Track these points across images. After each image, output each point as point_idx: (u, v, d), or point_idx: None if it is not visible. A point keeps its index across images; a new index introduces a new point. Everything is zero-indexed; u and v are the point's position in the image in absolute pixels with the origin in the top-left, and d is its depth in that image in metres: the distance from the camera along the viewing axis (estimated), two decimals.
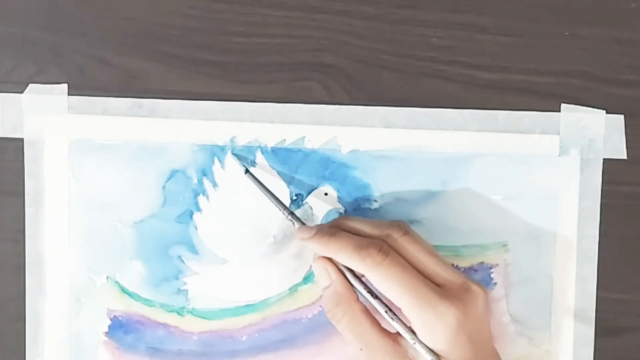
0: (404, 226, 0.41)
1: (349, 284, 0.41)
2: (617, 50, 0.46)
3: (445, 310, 0.38)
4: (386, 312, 0.40)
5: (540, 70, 0.46)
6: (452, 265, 0.44)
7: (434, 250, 0.41)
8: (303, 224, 0.43)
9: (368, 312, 0.41)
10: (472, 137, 0.46)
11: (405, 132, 0.46)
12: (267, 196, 0.44)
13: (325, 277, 0.41)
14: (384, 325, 0.41)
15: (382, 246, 0.40)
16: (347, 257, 0.40)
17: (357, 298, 0.41)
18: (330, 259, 0.41)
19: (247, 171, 0.45)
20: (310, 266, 0.46)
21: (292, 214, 0.43)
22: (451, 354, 0.39)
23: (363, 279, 0.41)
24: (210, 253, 0.46)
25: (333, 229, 0.42)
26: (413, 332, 0.39)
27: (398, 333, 0.40)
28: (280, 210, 0.43)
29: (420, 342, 0.39)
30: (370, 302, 0.40)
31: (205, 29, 0.46)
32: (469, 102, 0.46)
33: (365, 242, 0.40)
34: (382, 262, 0.39)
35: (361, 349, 0.40)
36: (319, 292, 0.46)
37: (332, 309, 0.41)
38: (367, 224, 0.42)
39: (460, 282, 0.40)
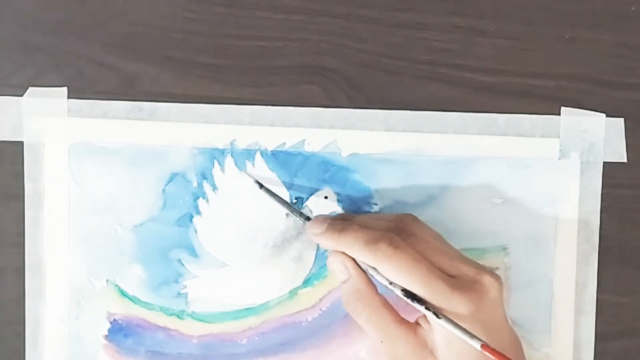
0: (414, 218, 0.41)
1: (367, 277, 0.41)
2: (617, 53, 0.46)
3: (458, 302, 0.38)
4: (424, 305, 0.39)
5: (540, 74, 0.46)
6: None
7: (445, 241, 0.41)
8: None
9: (388, 304, 0.41)
10: (472, 140, 0.46)
11: (405, 135, 0.46)
12: (285, 207, 0.44)
13: (343, 271, 0.41)
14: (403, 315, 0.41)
15: (392, 239, 0.40)
16: (359, 250, 0.40)
17: (377, 291, 0.41)
18: (344, 254, 0.41)
19: (261, 186, 0.45)
20: (310, 270, 0.46)
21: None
22: (465, 343, 0.38)
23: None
24: (210, 256, 0.46)
25: (344, 222, 0.42)
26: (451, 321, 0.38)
27: (417, 324, 0.40)
28: (301, 221, 0.43)
29: (462, 328, 0.38)
30: (396, 294, 0.40)
31: (205, 32, 0.46)
32: (469, 105, 0.46)
33: (375, 235, 0.40)
34: (393, 255, 0.39)
35: (382, 342, 0.40)
36: (319, 295, 0.46)
37: (352, 303, 0.41)
38: (377, 217, 0.42)
39: (473, 272, 0.40)
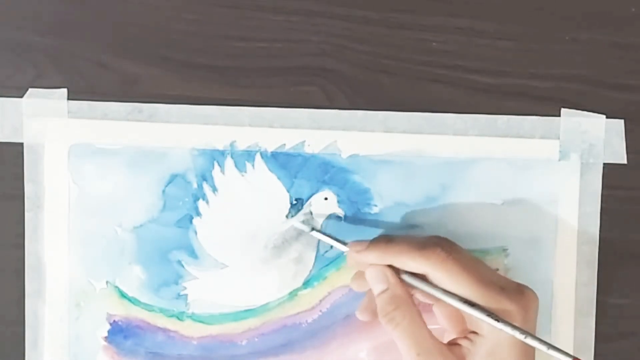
0: (449, 239, 0.41)
1: (406, 288, 0.41)
2: (617, 54, 0.46)
3: (511, 309, 0.38)
4: (482, 312, 0.39)
5: (540, 75, 0.46)
6: None
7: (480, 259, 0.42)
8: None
9: (423, 319, 0.40)
10: (472, 141, 0.45)
11: (405, 136, 0.45)
12: (336, 246, 0.44)
13: (382, 281, 0.41)
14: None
15: (444, 244, 0.40)
16: (409, 257, 0.40)
17: (414, 302, 0.41)
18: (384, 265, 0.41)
19: (312, 229, 0.45)
20: (310, 271, 0.46)
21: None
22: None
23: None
24: (210, 258, 0.46)
25: (386, 236, 0.42)
26: (497, 319, 0.38)
27: (454, 344, 0.40)
28: (344, 250, 0.43)
29: (553, 346, 0.38)
30: (447, 301, 0.40)
31: (205, 34, 0.46)
32: (469, 106, 0.46)
33: (425, 241, 0.40)
34: (447, 259, 0.39)
35: (418, 354, 0.39)
36: (319, 296, 0.46)
37: (390, 312, 0.40)
38: (411, 236, 0.42)
39: (515, 285, 0.40)
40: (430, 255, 0.39)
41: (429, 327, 0.40)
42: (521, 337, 0.38)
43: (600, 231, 0.46)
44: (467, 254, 0.41)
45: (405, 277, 0.41)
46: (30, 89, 0.46)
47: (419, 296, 0.43)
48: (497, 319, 0.38)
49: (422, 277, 0.40)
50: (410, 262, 0.40)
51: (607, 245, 0.46)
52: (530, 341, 0.38)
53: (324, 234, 0.44)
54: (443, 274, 0.39)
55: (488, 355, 0.39)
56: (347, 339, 0.46)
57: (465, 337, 0.40)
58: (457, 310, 0.40)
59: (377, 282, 0.41)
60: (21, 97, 0.45)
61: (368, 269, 0.41)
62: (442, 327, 0.43)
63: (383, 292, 0.41)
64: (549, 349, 0.38)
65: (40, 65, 0.46)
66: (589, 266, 0.46)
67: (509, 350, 0.39)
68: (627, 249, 0.46)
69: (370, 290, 0.43)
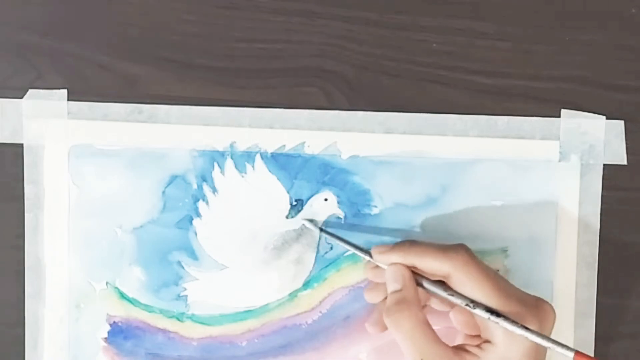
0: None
1: (417, 294, 0.41)
2: (617, 55, 0.46)
3: (530, 319, 0.39)
4: (489, 313, 0.39)
5: (540, 76, 0.46)
6: None
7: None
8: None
9: (429, 323, 0.40)
10: (472, 142, 0.45)
11: (405, 137, 0.45)
12: (346, 246, 0.44)
13: (398, 280, 0.41)
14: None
15: (466, 249, 0.40)
16: (433, 257, 0.40)
17: (421, 307, 0.41)
18: (405, 266, 0.41)
19: (321, 230, 0.45)
20: (310, 272, 0.46)
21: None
22: None
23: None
24: (210, 259, 0.46)
25: (410, 240, 0.43)
26: (523, 327, 0.38)
27: (462, 349, 0.40)
28: (366, 258, 0.43)
29: (553, 340, 0.38)
30: (462, 305, 0.40)
31: (205, 35, 0.46)
32: (469, 107, 0.46)
33: (449, 245, 0.41)
34: (471, 262, 0.40)
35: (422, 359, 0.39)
36: (319, 297, 0.46)
37: (395, 314, 0.40)
38: (435, 242, 0.42)
39: (534, 298, 0.40)
40: (454, 257, 0.40)
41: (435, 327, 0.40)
42: (548, 345, 0.38)
43: (600, 232, 0.45)
44: (487, 265, 0.41)
45: (426, 284, 0.41)
46: (30, 90, 0.46)
47: (435, 305, 0.43)
48: (524, 326, 0.38)
49: (443, 285, 0.41)
50: (434, 262, 0.40)
51: (607, 246, 0.46)
52: (560, 349, 0.38)
53: (343, 239, 0.44)
54: (465, 277, 0.39)
55: None
56: (347, 340, 0.46)
57: (477, 345, 0.40)
58: (473, 319, 0.40)
59: (393, 281, 0.41)
60: (21, 98, 0.45)
61: (389, 267, 0.42)
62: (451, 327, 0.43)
63: (395, 291, 0.41)
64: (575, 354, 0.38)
65: (40, 66, 0.46)
66: (589, 267, 0.46)
67: None
68: (627, 250, 0.46)
69: (381, 302, 0.43)
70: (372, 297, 0.44)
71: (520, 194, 0.46)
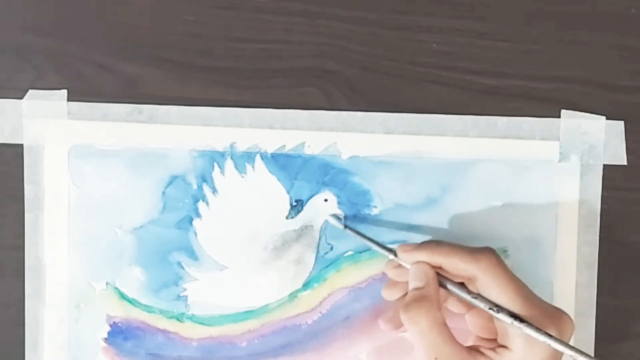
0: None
1: (438, 293, 0.41)
2: (618, 56, 0.46)
3: (550, 328, 0.38)
4: (512, 318, 0.39)
5: (540, 76, 0.46)
6: None
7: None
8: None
9: (446, 324, 0.40)
10: (472, 142, 0.46)
11: (405, 137, 0.46)
12: (370, 244, 0.44)
13: (422, 278, 0.41)
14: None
15: (493, 252, 0.40)
16: (460, 258, 0.40)
17: (441, 308, 0.41)
18: (429, 265, 0.41)
19: (346, 227, 0.45)
20: (310, 272, 0.46)
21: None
22: None
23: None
24: (210, 259, 0.46)
25: (436, 240, 0.43)
26: (547, 334, 0.38)
27: (477, 351, 0.40)
28: (390, 256, 0.43)
29: (580, 352, 0.38)
30: (481, 307, 0.40)
31: (205, 35, 0.46)
32: (469, 107, 0.46)
33: (476, 247, 0.41)
34: (498, 264, 0.40)
35: (436, 359, 0.39)
36: (319, 298, 0.46)
37: (413, 310, 0.40)
38: (460, 245, 0.42)
39: (554, 308, 0.40)
40: (481, 259, 0.40)
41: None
42: (570, 353, 0.38)
43: (600, 232, 0.45)
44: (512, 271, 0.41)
45: (449, 285, 0.41)
46: (30, 90, 0.46)
47: (451, 307, 0.43)
48: (547, 333, 0.38)
49: (465, 288, 0.41)
50: (461, 263, 0.40)
51: (607, 246, 0.46)
52: (582, 359, 0.38)
53: (367, 237, 0.44)
54: (491, 280, 0.39)
55: None
56: (347, 341, 0.46)
57: (492, 349, 0.40)
58: (490, 322, 0.40)
59: (416, 278, 0.41)
60: (21, 98, 0.45)
61: (413, 265, 0.41)
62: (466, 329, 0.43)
63: (416, 288, 0.41)
64: None
65: (40, 66, 0.46)
66: (589, 267, 0.45)
67: None
68: (627, 250, 0.46)
69: (397, 300, 0.43)
70: (390, 295, 0.43)
71: (520, 194, 0.46)
